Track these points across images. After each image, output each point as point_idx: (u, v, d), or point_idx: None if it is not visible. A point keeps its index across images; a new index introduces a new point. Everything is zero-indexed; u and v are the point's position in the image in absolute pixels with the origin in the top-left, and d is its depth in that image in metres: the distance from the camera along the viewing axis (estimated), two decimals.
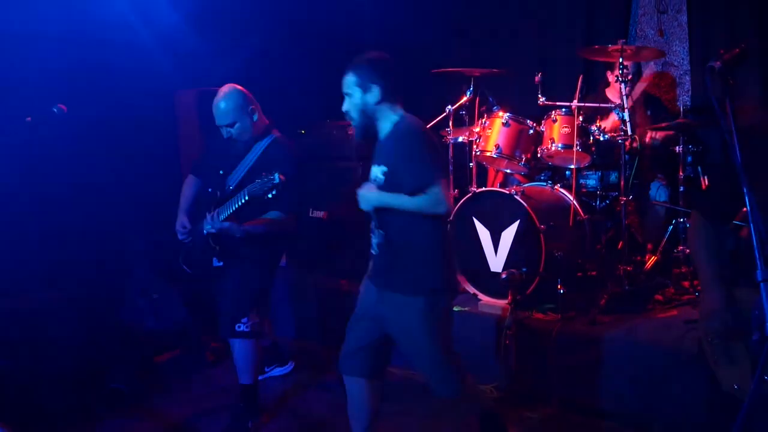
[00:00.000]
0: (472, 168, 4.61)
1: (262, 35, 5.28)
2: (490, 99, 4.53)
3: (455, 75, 4.62)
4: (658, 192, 4.42)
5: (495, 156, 4.33)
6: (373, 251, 2.79)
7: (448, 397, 2.81)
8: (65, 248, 4.26)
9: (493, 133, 4.34)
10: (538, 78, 4.17)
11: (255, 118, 3.49)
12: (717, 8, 4.60)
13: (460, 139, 4.61)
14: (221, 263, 3.64)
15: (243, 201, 3.29)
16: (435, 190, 2.53)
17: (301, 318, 4.87)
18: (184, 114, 5.16)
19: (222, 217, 3.40)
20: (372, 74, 2.65)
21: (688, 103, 4.85)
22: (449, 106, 4.55)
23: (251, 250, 3.51)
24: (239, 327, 3.49)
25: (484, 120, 4.44)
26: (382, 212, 2.67)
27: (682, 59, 4.97)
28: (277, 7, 5.48)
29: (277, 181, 3.11)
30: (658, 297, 4.03)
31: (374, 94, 2.65)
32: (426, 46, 5.51)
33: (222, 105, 3.43)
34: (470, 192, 4.25)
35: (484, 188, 4.35)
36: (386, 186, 2.64)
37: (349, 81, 2.68)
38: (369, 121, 2.71)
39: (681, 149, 4.08)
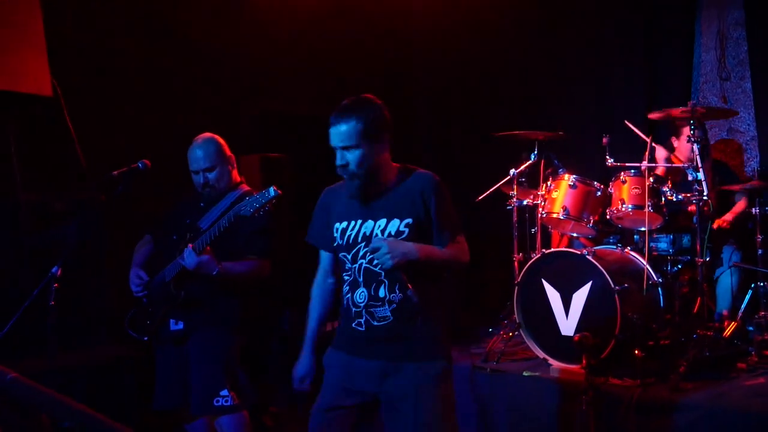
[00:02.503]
0: (535, 232, 4.59)
1: None
2: (556, 162, 4.54)
3: (517, 139, 4.66)
4: (731, 257, 4.30)
5: (562, 218, 4.29)
6: (373, 323, 2.40)
7: None
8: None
9: (560, 195, 4.32)
10: (606, 140, 4.17)
11: (232, 168, 3.35)
12: None
13: (525, 202, 4.61)
14: (179, 326, 3.22)
15: (225, 225, 2.94)
16: (462, 239, 2.46)
17: None
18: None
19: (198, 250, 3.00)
20: (381, 121, 2.37)
21: (757, 168, 4.79)
22: (513, 170, 4.57)
23: (219, 307, 3.19)
24: (218, 402, 3.07)
25: (549, 183, 4.44)
26: (406, 270, 2.31)
27: (749, 125, 4.95)
28: None
29: (272, 194, 2.73)
30: (741, 365, 3.85)
31: (384, 144, 2.39)
32: (488, 109, 5.61)
33: (201, 149, 3.25)
34: (540, 253, 4.19)
35: (554, 249, 4.28)
36: (413, 240, 2.36)
37: (352, 130, 2.32)
38: (373, 176, 2.39)
39: (757, 211, 3.99)
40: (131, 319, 3.34)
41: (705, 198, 3.89)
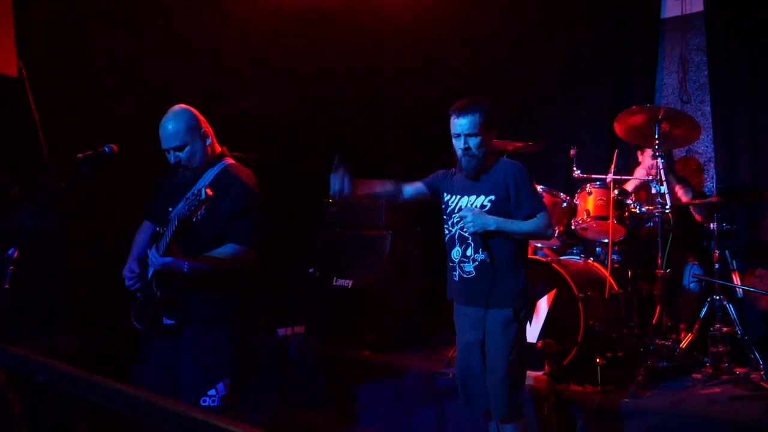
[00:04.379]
0: None
1: None
2: None
3: None
4: (691, 272, 4.40)
5: None
6: (463, 275, 3.06)
7: (502, 416, 3.01)
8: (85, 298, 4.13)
9: None
10: (573, 152, 4.26)
11: (207, 142, 3.03)
12: (739, 99, 4.78)
13: None
14: (173, 321, 3.04)
15: (173, 228, 2.74)
16: (545, 215, 3.01)
17: (316, 389, 4.72)
18: None
19: (161, 251, 2.82)
20: (494, 116, 3.01)
21: (713, 189, 4.94)
22: None
23: (206, 306, 3.00)
24: (205, 401, 2.93)
25: None
26: (486, 236, 2.96)
27: (707, 147, 5.12)
28: None
29: (203, 197, 2.59)
30: (697, 375, 3.93)
31: (494, 135, 3.06)
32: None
33: (170, 126, 2.95)
34: None
35: None
36: (492, 213, 2.97)
37: (476, 121, 2.95)
38: (484, 159, 3.02)
39: (715, 226, 4.10)
40: (136, 311, 3.14)
41: (667, 211, 3.99)
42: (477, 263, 3.02)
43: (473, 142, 2.98)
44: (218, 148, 3.13)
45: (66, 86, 4.01)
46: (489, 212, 2.98)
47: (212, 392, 2.96)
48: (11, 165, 3.78)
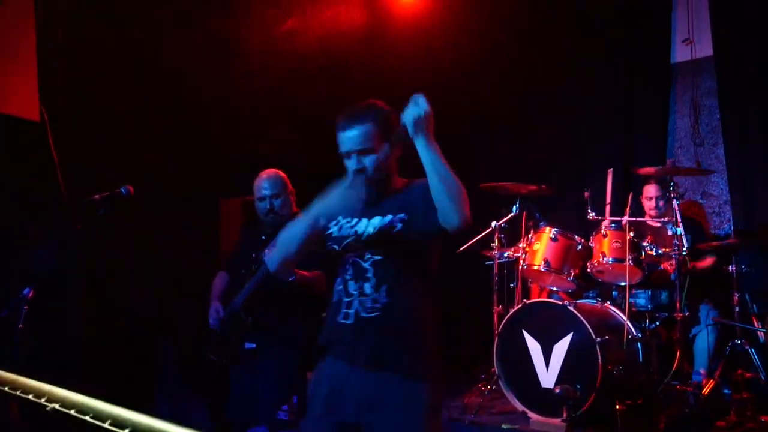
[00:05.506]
0: (515, 286, 4.61)
1: None
2: (537, 215, 4.59)
3: (500, 192, 4.71)
4: (708, 315, 4.33)
5: (543, 270, 4.30)
6: (346, 319, 2.21)
7: None
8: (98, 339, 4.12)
9: (541, 247, 4.35)
10: (587, 194, 4.24)
11: (293, 199, 3.61)
12: (752, 140, 4.79)
13: (506, 255, 4.62)
14: (254, 345, 3.47)
15: None
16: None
17: None
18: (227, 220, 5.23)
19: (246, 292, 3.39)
20: (394, 123, 2.21)
21: (730, 231, 4.89)
22: (494, 222, 4.61)
23: (286, 330, 3.41)
24: (281, 415, 3.43)
25: (530, 236, 4.47)
26: (382, 263, 2.19)
27: (722, 189, 5.09)
28: None
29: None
30: (720, 423, 3.82)
31: (398, 147, 2.23)
32: (470, 162, 5.69)
33: (271, 178, 3.56)
34: (521, 304, 4.17)
35: (535, 300, 4.28)
36: (405, 237, 2.19)
37: (369, 132, 2.24)
38: (387, 182, 2.31)
39: (734, 269, 4.05)
40: (212, 346, 3.55)
41: (684, 253, 3.94)
42: (378, 300, 2.18)
43: (369, 160, 2.23)
44: (296, 209, 3.59)
45: (85, 130, 4.10)
46: (399, 236, 2.18)
47: (286, 407, 3.48)
48: (30, 206, 3.83)
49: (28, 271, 3.38)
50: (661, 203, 4.46)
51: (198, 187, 4.79)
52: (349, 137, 2.25)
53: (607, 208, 4.18)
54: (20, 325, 2.94)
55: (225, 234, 5.19)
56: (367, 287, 2.20)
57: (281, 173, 3.63)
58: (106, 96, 4.22)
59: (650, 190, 4.51)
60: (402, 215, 2.22)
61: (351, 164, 2.26)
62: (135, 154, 4.27)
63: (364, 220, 2.28)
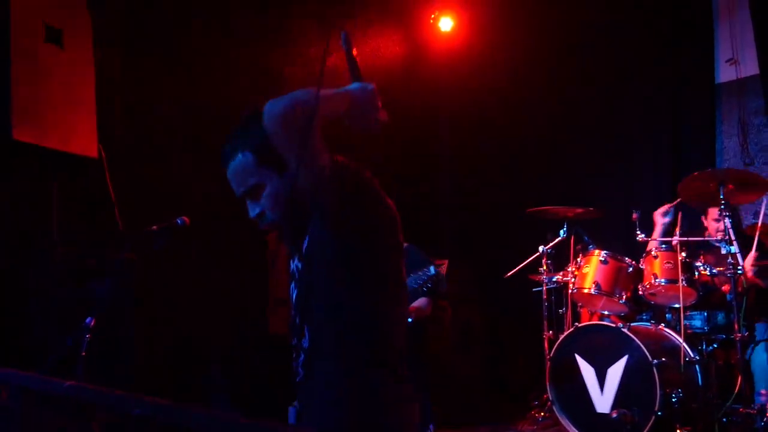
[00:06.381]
0: (565, 311, 4.56)
1: None
2: (586, 238, 4.55)
3: (545, 216, 4.69)
4: (764, 334, 4.20)
5: (594, 293, 4.24)
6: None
7: None
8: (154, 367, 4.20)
9: (591, 270, 4.30)
10: (636, 216, 4.19)
11: None
12: None
13: (555, 279, 4.58)
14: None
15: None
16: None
17: None
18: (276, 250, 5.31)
19: None
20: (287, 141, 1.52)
21: None
22: (542, 247, 4.59)
23: None
24: None
25: (579, 259, 4.43)
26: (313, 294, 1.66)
27: None
28: None
29: (432, 272, 3.17)
30: None
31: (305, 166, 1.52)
32: (518, 187, 5.70)
33: None
34: (573, 327, 4.12)
35: (587, 323, 4.22)
36: (304, 283, 1.69)
37: (248, 166, 1.68)
38: (299, 217, 1.68)
39: None
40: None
41: (740, 272, 3.85)
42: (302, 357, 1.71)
43: (267, 203, 1.68)
44: None
45: (140, 164, 4.24)
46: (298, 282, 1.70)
47: None
48: (89, 239, 3.96)
49: (88, 302, 3.48)
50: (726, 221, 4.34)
51: (247, 220, 4.88)
52: (230, 179, 1.72)
53: (676, 246, 4.07)
54: (83, 353, 3.03)
55: (274, 267, 5.28)
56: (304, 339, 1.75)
57: None
58: (159, 128, 4.38)
59: (715, 212, 4.43)
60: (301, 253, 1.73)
61: (250, 212, 1.74)
62: (188, 188, 4.40)
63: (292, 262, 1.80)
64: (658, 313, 4.41)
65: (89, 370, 3.03)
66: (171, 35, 4.54)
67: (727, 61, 5.26)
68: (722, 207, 3.95)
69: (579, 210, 4.55)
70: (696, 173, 3.99)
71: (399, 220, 1.71)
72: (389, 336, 1.65)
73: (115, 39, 4.21)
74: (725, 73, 5.30)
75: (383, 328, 1.64)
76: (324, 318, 1.64)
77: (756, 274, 4.13)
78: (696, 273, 4.06)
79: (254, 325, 4.71)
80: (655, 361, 3.68)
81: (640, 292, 4.22)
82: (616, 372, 3.85)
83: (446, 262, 5.00)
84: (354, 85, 1.62)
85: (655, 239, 4.26)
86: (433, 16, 6.43)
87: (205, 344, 4.47)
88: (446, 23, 6.38)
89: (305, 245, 1.69)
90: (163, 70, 4.41)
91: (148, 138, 4.28)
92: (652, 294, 4.19)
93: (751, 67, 5.14)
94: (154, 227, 3.40)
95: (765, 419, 3.81)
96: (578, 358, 4.00)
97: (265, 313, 4.91)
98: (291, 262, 1.79)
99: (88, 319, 3.14)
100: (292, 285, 1.77)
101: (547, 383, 4.11)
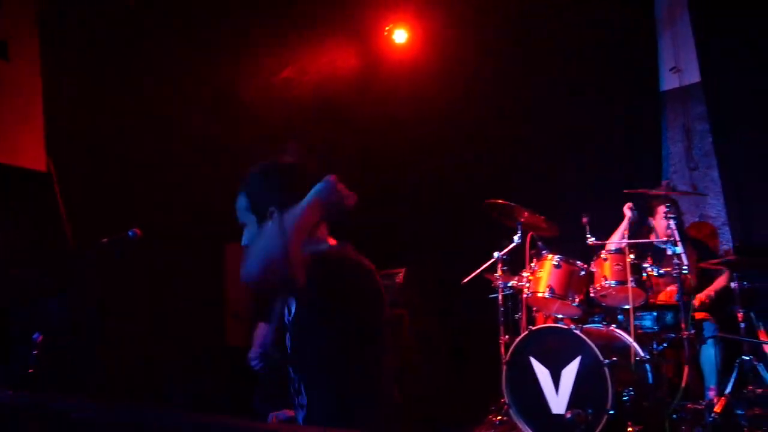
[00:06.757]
0: (520, 316, 4.63)
1: None
2: (539, 243, 4.63)
3: (499, 225, 4.77)
4: (711, 331, 4.33)
5: (548, 296, 4.32)
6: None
7: None
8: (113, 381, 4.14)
9: (545, 274, 4.38)
10: (585, 219, 4.31)
11: None
12: (746, 160, 4.88)
13: (510, 284, 4.65)
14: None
15: None
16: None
17: None
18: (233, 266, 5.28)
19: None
20: (266, 193, 1.93)
21: (732, 245, 4.94)
22: (497, 253, 4.66)
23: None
24: None
25: (533, 264, 4.51)
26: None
27: (719, 211, 5.16)
28: None
29: None
30: None
31: (274, 218, 1.87)
32: (474, 194, 5.78)
33: None
34: (527, 331, 4.19)
35: (541, 325, 4.29)
36: (296, 329, 1.92)
37: (240, 205, 1.99)
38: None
39: (736, 285, 4.07)
40: (260, 394, 3.62)
41: (685, 272, 3.97)
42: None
43: (246, 236, 1.99)
44: None
45: (90, 178, 4.20)
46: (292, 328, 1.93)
47: None
48: (38, 255, 3.89)
49: (39, 318, 3.43)
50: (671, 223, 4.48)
51: (203, 232, 4.86)
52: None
53: (625, 248, 4.20)
54: (30, 370, 2.97)
55: (231, 278, 5.25)
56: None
57: None
58: (112, 144, 4.34)
59: (663, 209, 4.56)
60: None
61: (243, 240, 2.01)
62: (140, 201, 4.36)
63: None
64: (610, 314, 4.50)
65: (47, 385, 2.98)
66: (123, 50, 4.52)
67: (670, 70, 5.45)
68: (667, 208, 4.09)
69: (531, 214, 4.62)
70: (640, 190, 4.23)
71: (384, 297, 1.93)
72: (377, 383, 1.91)
73: (66, 52, 4.18)
74: (669, 81, 5.50)
75: (369, 377, 1.90)
76: (316, 374, 1.87)
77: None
78: (644, 274, 4.17)
79: (211, 336, 4.68)
80: (607, 361, 3.76)
81: (592, 294, 4.31)
82: (570, 373, 3.92)
83: (403, 270, 5.05)
84: (317, 189, 1.82)
85: (609, 242, 4.36)
86: (387, 28, 6.51)
87: (163, 356, 4.42)
88: (400, 35, 6.46)
89: (293, 310, 1.93)
90: (115, 84, 4.38)
91: (100, 151, 4.24)
92: (603, 296, 4.29)
93: (693, 75, 5.34)
94: (105, 240, 3.37)
95: (714, 414, 3.92)
96: (533, 360, 4.06)
97: (223, 325, 4.88)
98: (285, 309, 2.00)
99: (35, 335, 3.10)
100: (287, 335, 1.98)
101: (504, 387, 4.16)
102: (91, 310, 3.87)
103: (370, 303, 1.88)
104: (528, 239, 4.65)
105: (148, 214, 4.31)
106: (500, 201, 4.63)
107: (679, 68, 5.41)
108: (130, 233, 3.43)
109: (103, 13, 4.32)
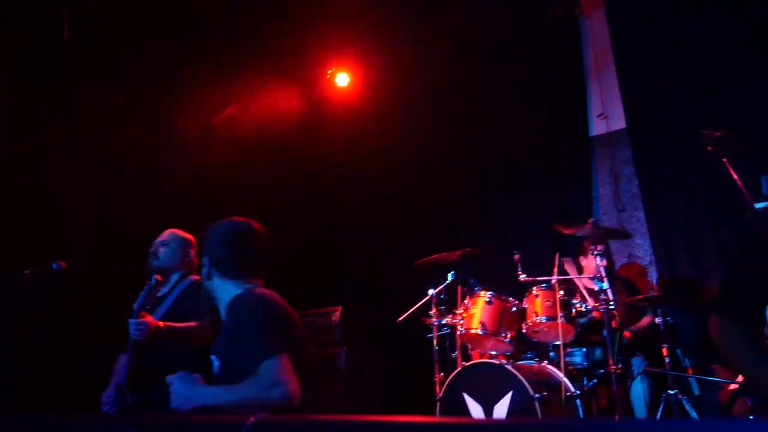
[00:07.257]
0: (456, 356, 4.65)
1: None
2: (472, 280, 4.70)
3: (435, 264, 4.83)
4: (640, 367, 4.45)
5: (480, 333, 4.36)
6: None
7: None
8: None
9: (477, 311, 4.43)
10: (517, 257, 4.40)
11: (186, 261, 3.64)
12: (670, 201, 5.11)
13: (444, 322, 4.68)
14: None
15: None
16: (268, 366, 1.95)
17: None
18: None
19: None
20: (206, 246, 2.40)
21: (657, 281, 5.12)
22: (431, 290, 4.70)
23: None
24: None
25: (466, 301, 4.57)
26: None
27: (646, 251, 5.35)
28: None
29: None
30: None
31: (205, 268, 2.35)
32: (405, 239, 5.84)
33: (168, 232, 3.68)
34: (460, 367, 4.21)
35: (473, 361, 4.32)
36: (221, 376, 2.13)
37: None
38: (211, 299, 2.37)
39: (661, 321, 4.21)
40: None
41: (611, 307, 4.09)
42: None
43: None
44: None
45: (21, 207, 4.10)
46: (218, 376, 2.19)
47: None
48: None
49: None
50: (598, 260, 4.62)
51: (134, 266, 4.77)
52: None
53: (555, 285, 4.30)
54: None
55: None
56: None
57: (184, 234, 3.67)
58: (41, 175, 4.26)
59: (588, 248, 4.71)
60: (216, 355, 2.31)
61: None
62: (66, 234, 4.27)
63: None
64: (542, 350, 4.58)
65: None
66: (57, 80, 4.48)
67: (598, 116, 5.71)
68: (594, 246, 4.23)
69: (459, 252, 4.70)
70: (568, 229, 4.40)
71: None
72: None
73: None
74: (597, 127, 5.75)
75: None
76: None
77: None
78: (573, 310, 4.27)
79: None
80: (537, 395, 3.81)
81: (524, 330, 4.38)
82: (502, 408, 3.94)
83: (340, 308, 5.04)
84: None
85: (539, 278, 4.46)
86: (330, 71, 6.64)
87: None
88: (343, 78, 6.61)
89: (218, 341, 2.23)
90: (45, 111, 4.33)
91: (31, 181, 4.15)
92: (535, 331, 4.37)
93: (619, 121, 5.60)
94: (27, 271, 3.29)
95: None
96: (466, 396, 4.08)
97: None
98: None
99: None
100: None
101: None
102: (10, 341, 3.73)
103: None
104: (459, 276, 4.72)
105: (71, 245, 4.23)
106: (428, 258, 4.72)
107: (606, 114, 5.67)
108: (54, 265, 3.36)
109: (35, 44, 4.29)
